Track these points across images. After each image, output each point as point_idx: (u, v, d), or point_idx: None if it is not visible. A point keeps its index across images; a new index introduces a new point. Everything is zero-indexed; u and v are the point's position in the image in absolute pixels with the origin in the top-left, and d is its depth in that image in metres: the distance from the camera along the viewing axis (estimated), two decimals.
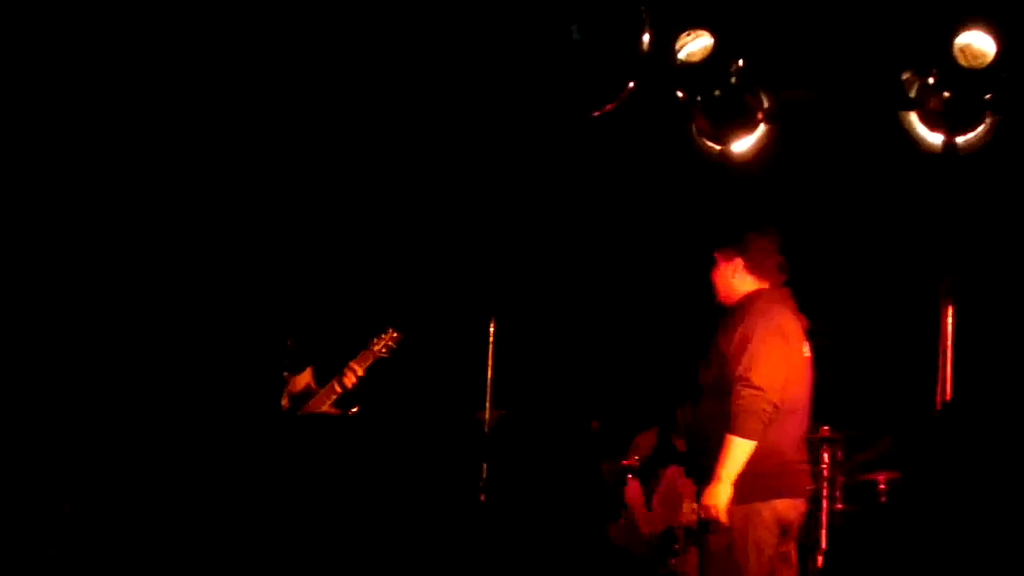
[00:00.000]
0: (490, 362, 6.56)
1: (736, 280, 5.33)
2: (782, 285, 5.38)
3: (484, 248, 7.12)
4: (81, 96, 6.31)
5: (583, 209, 6.99)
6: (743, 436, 5.02)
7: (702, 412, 5.26)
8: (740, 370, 5.06)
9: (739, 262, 5.32)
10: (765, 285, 5.32)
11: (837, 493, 6.44)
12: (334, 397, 6.19)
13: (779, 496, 5.14)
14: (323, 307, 6.51)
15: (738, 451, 5.02)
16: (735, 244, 5.37)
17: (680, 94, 5.68)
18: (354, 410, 6.23)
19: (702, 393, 5.26)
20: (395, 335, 6.17)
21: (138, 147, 6.57)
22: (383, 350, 6.16)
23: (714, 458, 5.05)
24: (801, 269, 6.78)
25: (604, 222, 7.00)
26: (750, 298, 5.28)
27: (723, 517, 5.02)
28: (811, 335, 5.33)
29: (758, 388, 5.01)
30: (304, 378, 6.34)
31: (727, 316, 5.29)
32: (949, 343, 6.10)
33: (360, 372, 6.15)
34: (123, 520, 6.22)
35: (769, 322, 5.16)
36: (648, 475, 6.75)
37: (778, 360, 5.09)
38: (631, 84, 5.75)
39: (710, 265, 5.39)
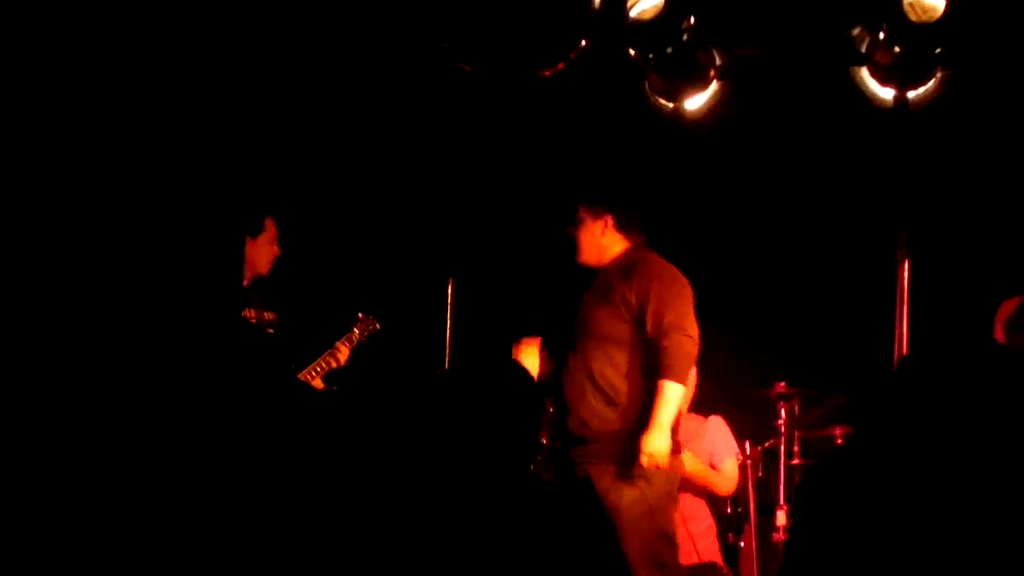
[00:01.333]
0: (448, 322, 6.56)
1: (605, 239, 5.25)
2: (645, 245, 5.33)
3: (439, 209, 7.09)
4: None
5: (537, 168, 6.97)
6: (679, 381, 5.00)
7: (577, 370, 5.12)
8: (671, 318, 5.02)
9: (608, 219, 5.24)
10: (633, 244, 5.28)
11: (795, 448, 6.48)
12: (324, 371, 6.21)
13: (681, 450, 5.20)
14: (300, 282, 6.50)
15: (675, 396, 4.98)
16: (604, 201, 5.31)
17: (632, 52, 5.67)
18: (334, 388, 6.26)
19: (574, 352, 5.15)
20: (375, 325, 6.20)
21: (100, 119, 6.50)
22: (363, 337, 6.19)
23: (595, 416, 5.03)
24: (754, 227, 6.82)
25: (559, 181, 6.98)
26: (631, 254, 5.22)
27: (666, 464, 4.97)
28: None
29: (690, 336, 5.02)
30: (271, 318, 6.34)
31: (603, 275, 5.20)
32: (905, 298, 6.11)
33: (342, 360, 6.17)
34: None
35: (677, 273, 5.16)
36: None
37: (693, 309, 5.10)
38: (583, 42, 5.75)
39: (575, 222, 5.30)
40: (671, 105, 5.86)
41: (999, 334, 5.49)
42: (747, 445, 6.35)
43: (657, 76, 5.80)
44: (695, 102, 5.82)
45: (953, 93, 5.53)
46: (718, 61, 5.74)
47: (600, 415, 5.01)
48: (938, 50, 5.38)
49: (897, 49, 5.35)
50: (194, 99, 6.09)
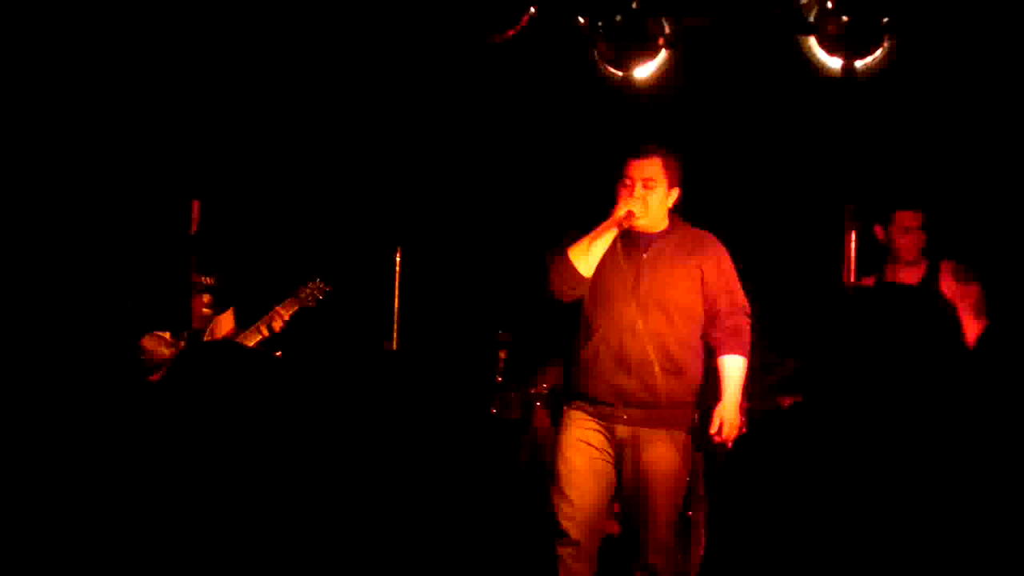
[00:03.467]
0: (396, 293, 6.54)
1: (666, 208, 5.10)
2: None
3: (388, 178, 7.06)
4: None
5: (485, 136, 6.95)
6: (748, 358, 5.09)
7: (646, 335, 4.98)
8: (742, 298, 5.09)
9: (676, 192, 5.10)
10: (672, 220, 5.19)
11: (742, 419, 6.49)
12: (259, 339, 6.14)
13: None
14: (242, 247, 6.44)
15: (744, 372, 5.08)
16: (679, 173, 5.13)
17: (581, 20, 5.66)
18: (278, 354, 6.19)
19: (642, 316, 4.99)
20: (323, 286, 6.13)
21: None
22: (309, 299, 6.12)
23: (684, 382, 5.01)
24: (703, 196, 6.81)
25: (507, 149, 6.97)
26: (686, 228, 5.14)
27: (733, 438, 5.05)
28: None
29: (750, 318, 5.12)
30: (227, 318, 6.28)
31: (661, 244, 5.06)
32: (852, 268, 6.15)
33: (286, 317, 6.10)
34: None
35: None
36: (556, 404, 6.76)
37: None
38: (532, 9, 5.73)
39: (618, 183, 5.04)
40: (620, 73, 5.86)
41: None
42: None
43: (606, 44, 5.80)
44: (644, 70, 5.82)
45: (900, 62, 5.55)
46: (667, 29, 5.74)
47: (665, 383, 4.96)
48: (885, 20, 5.40)
49: (845, 18, 5.36)
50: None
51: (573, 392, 5.07)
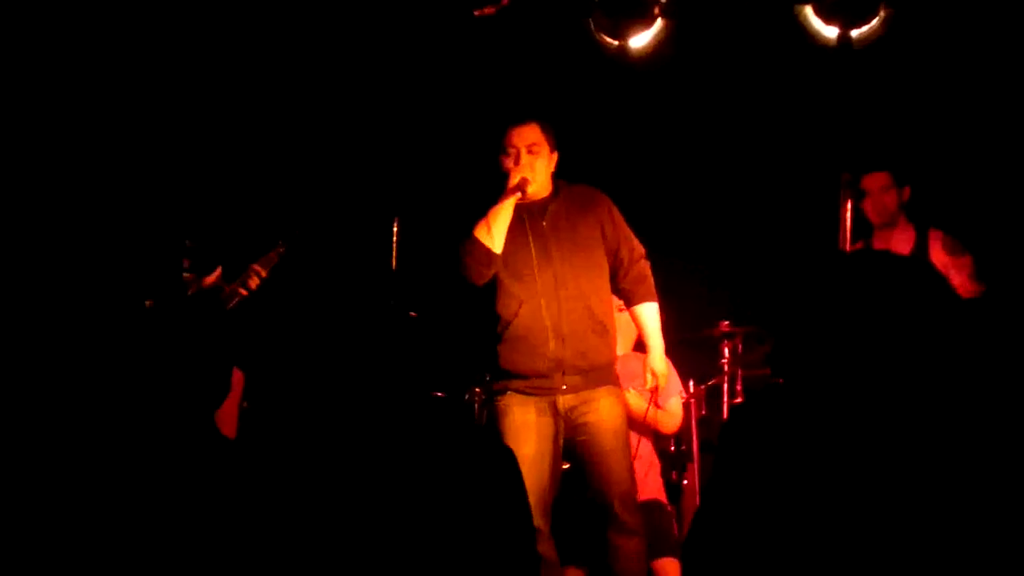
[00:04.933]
0: (394, 262, 6.55)
1: (550, 172, 5.09)
2: None
3: (385, 147, 7.05)
4: None
5: (481, 107, 6.94)
6: (656, 301, 5.16)
7: (572, 301, 4.99)
8: (638, 244, 5.12)
9: (555, 155, 5.07)
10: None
11: (738, 387, 6.53)
12: (238, 299, 6.14)
13: None
14: (229, 208, 6.44)
15: (657, 315, 5.17)
16: (555, 137, 5.09)
17: None
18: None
19: (563, 285, 4.99)
20: (296, 233, 6.13)
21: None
22: (274, 258, 6.13)
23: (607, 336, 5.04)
24: (698, 165, 6.82)
25: (503, 119, 6.96)
26: (572, 187, 5.13)
27: (664, 384, 5.20)
28: None
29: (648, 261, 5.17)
30: (212, 279, 6.28)
31: (554, 207, 5.04)
32: (848, 237, 6.14)
33: (264, 274, 6.10)
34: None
35: None
36: None
37: None
38: None
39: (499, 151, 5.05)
40: (616, 43, 5.86)
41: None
42: (691, 384, 6.38)
43: (602, 13, 5.79)
44: (640, 40, 5.81)
45: (896, 32, 5.54)
46: None
47: (596, 346, 4.99)
48: None
49: None
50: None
51: (504, 373, 5.01)
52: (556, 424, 4.96)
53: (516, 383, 4.99)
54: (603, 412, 4.99)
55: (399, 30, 6.44)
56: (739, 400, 6.46)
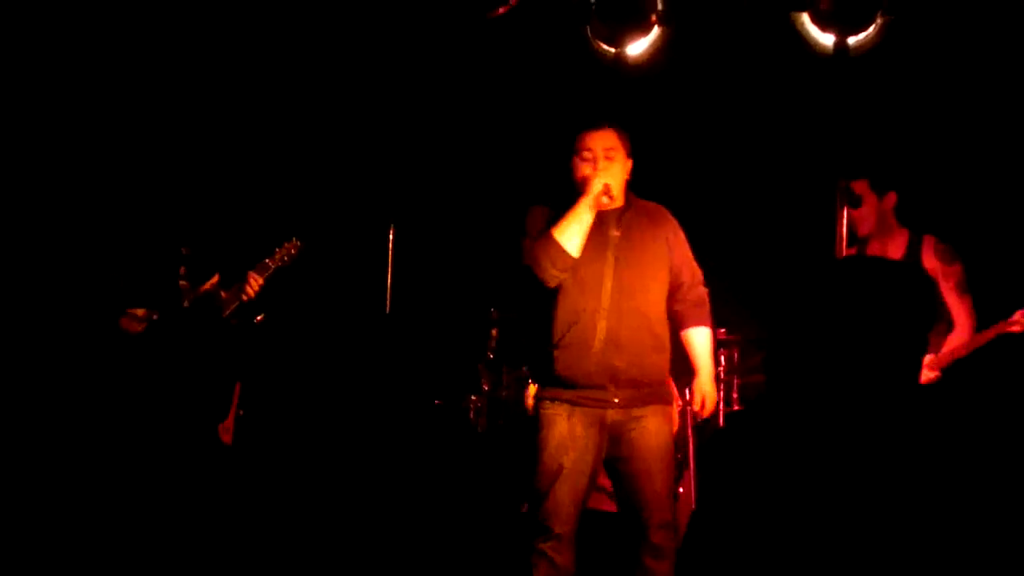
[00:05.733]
0: (390, 269, 6.56)
1: (625, 178, 5.02)
2: None
3: (382, 154, 7.06)
4: None
5: (478, 113, 6.95)
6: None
7: (634, 312, 4.93)
8: (699, 271, 5.11)
9: (630, 163, 5.00)
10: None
11: (734, 395, 6.53)
12: (234, 307, 6.14)
13: None
14: (226, 215, 6.45)
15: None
16: (628, 141, 5.00)
17: None
18: (259, 318, 6.19)
19: (628, 294, 4.94)
20: (297, 244, 6.12)
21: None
22: (285, 259, 6.11)
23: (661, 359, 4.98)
24: (694, 172, 6.82)
25: (500, 125, 6.97)
26: (641, 201, 5.08)
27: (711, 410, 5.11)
28: None
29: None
30: (209, 286, 6.28)
31: (627, 219, 4.98)
32: (844, 244, 6.15)
33: (260, 281, 6.09)
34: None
35: None
36: None
37: None
38: None
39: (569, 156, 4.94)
40: (613, 50, 5.87)
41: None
42: (687, 391, 6.38)
43: (599, 21, 5.80)
44: (637, 47, 5.82)
45: (893, 39, 5.55)
46: (660, 6, 5.74)
47: (653, 361, 4.93)
48: None
49: None
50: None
51: (556, 380, 4.91)
52: (601, 439, 4.89)
53: (567, 393, 4.90)
54: (649, 431, 4.91)
55: (395, 37, 6.45)
56: (735, 408, 6.47)
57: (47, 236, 6.32)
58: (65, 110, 6.44)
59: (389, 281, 6.55)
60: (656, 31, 5.77)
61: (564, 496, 4.84)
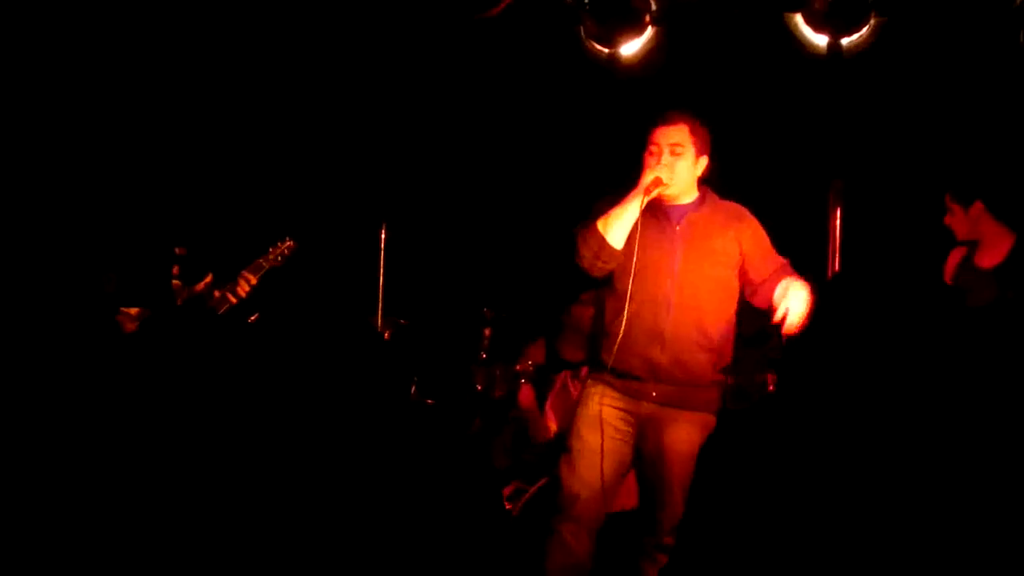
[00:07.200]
0: (382, 269, 6.55)
1: (694, 177, 4.86)
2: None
3: (375, 153, 7.06)
4: None
5: (472, 113, 6.95)
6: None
7: (686, 311, 4.79)
8: (785, 261, 4.88)
9: (705, 160, 4.85)
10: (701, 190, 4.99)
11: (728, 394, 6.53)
12: (227, 307, 6.13)
13: None
14: (219, 214, 6.45)
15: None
16: (709, 141, 4.87)
17: None
18: (252, 318, 6.18)
19: (681, 292, 4.80)
20: (290, 244, 6.11)
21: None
22: (278, 259, 6.10)
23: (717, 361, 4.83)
24: None
25: (493, 126, 6.96)
26: (715, 198, 4.92)
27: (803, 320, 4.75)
28: None
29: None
30: (202, 286, 6.28)
31: (693, 216, 4.84)
32: (838, 245, 6.16)
33: (253, 281, 6.08)
34: None
35: None
36: (540, 381, 6.77)
37: None
38: None
39: (641, 149, 4.81)
40: (606, 51, 5.87)
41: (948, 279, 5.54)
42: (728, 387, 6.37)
43: (592, 21, 5.80)
44: (630, 47, 5.82)
45: (886, 40, 5.56)
46: (653, 6, 5.75)
47: (698, 361, 4.81)
48: None
49: None
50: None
51: (601, 365, 4.84)
52: (634, 430, 4.81)
53: (607, 378, 4.83)
54: (679, 436, 4.80)
55: (388, 38, 6.45)
56: (730, 407, 6.45)
57: (40, 235, 6.30)
58: (60, 110, 6.43)
59: (381, 281, 6.54)
60: (649, 31, 5.78)
61: (583, 471, 4.78)
